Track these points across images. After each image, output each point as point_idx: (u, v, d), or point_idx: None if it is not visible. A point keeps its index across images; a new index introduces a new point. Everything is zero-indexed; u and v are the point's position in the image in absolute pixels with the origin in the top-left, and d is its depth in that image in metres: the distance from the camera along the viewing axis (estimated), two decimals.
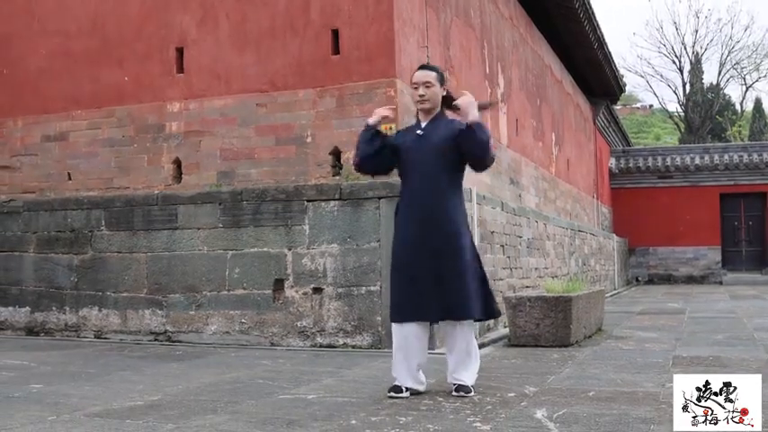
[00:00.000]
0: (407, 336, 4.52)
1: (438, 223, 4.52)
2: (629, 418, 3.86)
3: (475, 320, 4.70)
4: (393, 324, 4.60)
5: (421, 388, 4.59)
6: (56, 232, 8.16)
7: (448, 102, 4.70)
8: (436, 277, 4.47)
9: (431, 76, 4.67)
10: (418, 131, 4.69)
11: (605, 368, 5.64)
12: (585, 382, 4.98)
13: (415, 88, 4.69)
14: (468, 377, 4.58)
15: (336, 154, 7.31)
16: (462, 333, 4.57)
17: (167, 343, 7.46)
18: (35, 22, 8.61)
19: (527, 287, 9.98)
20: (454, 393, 4.50)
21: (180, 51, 7.98)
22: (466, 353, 4.58)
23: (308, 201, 7.14)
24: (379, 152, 4.72)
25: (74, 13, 8.42)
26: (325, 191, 7.10)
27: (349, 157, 7.22)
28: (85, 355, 6.70)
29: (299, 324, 7.08)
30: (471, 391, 4.49)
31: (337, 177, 7.26)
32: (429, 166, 4.57)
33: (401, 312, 4.54)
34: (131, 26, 8.15)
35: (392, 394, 4.46)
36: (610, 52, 17.16)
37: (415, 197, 4.58)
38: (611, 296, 16.01)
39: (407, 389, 4.49)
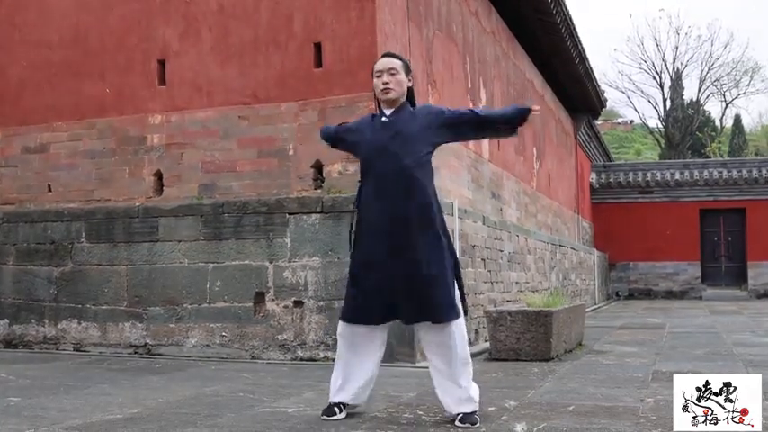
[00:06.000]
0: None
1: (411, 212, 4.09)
2: None
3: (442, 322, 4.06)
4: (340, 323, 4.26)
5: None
6: (35, 244, 8.10)
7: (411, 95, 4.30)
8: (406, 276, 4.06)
9: (395, 63, 4.22)
10: (383, 119, 4.21)
11: (585, 382, 5.66)
12: (565, 397, 5.00)
13: (378, 76, 4.20)
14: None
15: (318, 167, 7.31)
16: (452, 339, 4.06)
17: (147, 356, 7.41)
18: (16, 33, 8.56)
19: (508, 301, 10.01)
20: (458, 424, 3.99)
21: (162, 64, 7.96)
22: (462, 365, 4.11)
23: (289, 214, 7.14)
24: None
25: (56, 24, 8.38)
26: (306, 204, 7.10)
27: (331, 170, 7.23)
28: (64, 367, 6.65)
29: (279, 337, 7.06)
30: (477, 421, 3.99)
31: (319, 190, 7.26)
32: (397, 155, 4.10)
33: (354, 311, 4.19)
34: (113, 38, 8.13)
35: (325, 417, 4.16)
36: (591, 68, 17.29)
37: (381, 190, 4.12)
38: (592, 311, 16.06)
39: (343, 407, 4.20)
